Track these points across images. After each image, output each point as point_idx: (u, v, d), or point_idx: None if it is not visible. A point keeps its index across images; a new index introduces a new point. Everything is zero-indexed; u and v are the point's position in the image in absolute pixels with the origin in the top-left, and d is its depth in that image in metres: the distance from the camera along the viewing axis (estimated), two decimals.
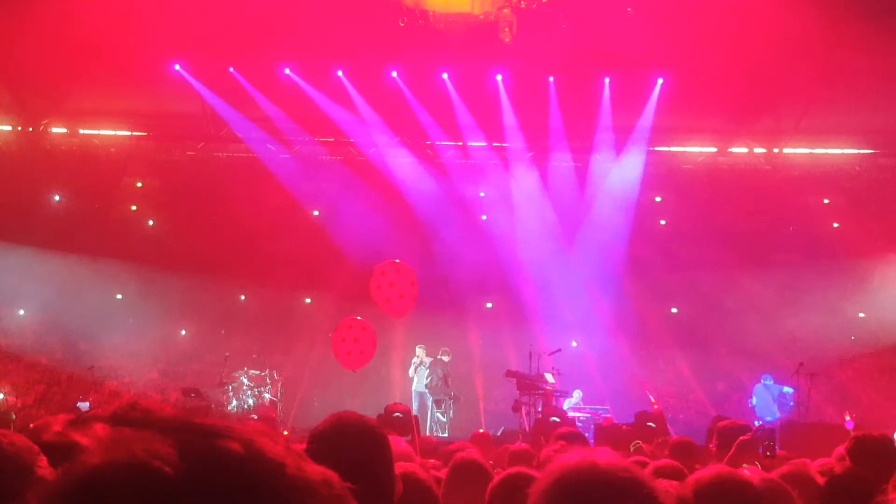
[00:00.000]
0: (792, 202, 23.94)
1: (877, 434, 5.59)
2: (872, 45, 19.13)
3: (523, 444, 8.50)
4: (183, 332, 24.17)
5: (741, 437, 6.77)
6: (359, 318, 18.20)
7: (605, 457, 1.95)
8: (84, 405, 19.55)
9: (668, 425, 18.49)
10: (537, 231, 23.29)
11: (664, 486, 2.03)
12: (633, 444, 9.77)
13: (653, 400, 19.39)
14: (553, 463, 2.01)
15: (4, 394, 21.44)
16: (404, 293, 18.02)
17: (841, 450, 5.65)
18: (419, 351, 21.32)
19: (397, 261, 18.52)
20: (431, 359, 21.19)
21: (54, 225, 24.00)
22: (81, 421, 2.99)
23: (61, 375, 22.55)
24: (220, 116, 23.24)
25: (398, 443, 4.44)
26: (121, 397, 21.48)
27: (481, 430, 13.90)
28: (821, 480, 5.05)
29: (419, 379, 21.08)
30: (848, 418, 15.29)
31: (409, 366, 21.41)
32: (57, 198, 25.06)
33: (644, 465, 6.34)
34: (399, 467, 3.59)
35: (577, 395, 21.06)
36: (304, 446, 3.08)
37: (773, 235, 23.87)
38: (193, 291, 23.24)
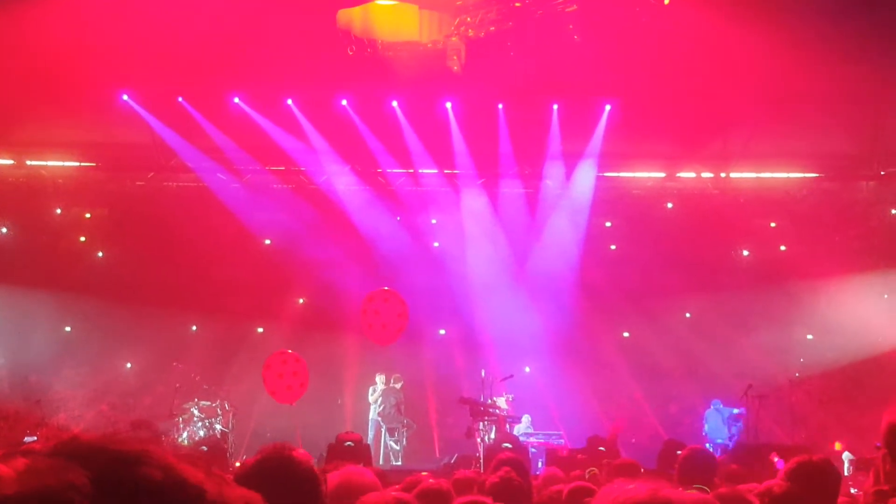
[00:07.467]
0: (740, 226, 24.17)
1: (817, 458, 5.61)
2: (816, 71, 19.52)
3: (467, 472, 8.48)
4: (129, 365, 23.83)
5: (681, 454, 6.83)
6: (290, 350, 18.22)
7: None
8: (32, 440, 19.25)
9: (620, 448, 18.65)
10: (489, 257, 23.34)
11: None
12: (588, 470, 9.77)
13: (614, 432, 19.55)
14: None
15: None
16: (388, 323, 18.09)
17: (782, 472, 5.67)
18: (378, 379, 21.30)
19: (386, 288, 18.65)
20: (386, 387, 21.16)
21: (1, 258, 23.69)
22: (11, 454, 2.94)
23: (8, 410, 22.18)
24: (169, 146, 23.06)
25: (364, 473, 4.43)
26: (69, 431, 21.16)
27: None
28: (757, 502, 5.08)
29: (374, 407, 21.05)
30: (777, 459, 15.33)
31: (367, 393, 21.40)
32: (4, 230, 24.70)
33: (592, 492, 6.38)
34: (370, 498, 3.65)
35: (525, 419, 21.14)
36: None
37: (722, 259, 24.10)
38: (145, 322, 22.93)
